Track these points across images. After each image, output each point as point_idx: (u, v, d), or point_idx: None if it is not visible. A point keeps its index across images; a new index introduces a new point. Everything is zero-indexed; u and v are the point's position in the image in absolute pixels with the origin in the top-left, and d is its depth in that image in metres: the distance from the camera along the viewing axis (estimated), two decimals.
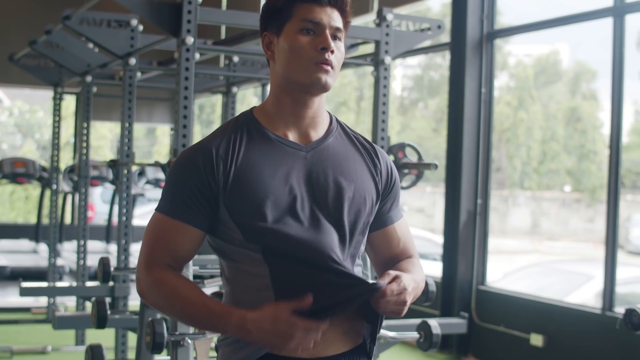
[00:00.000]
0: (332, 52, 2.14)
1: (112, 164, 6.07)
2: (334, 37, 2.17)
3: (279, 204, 2.11)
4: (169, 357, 3.45)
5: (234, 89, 7.63)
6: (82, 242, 7.21)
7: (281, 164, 2.15)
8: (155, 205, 2.22)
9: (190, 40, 4.57)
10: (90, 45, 6.99)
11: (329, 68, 2.14)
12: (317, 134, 2.23)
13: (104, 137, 25.79)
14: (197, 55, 5.01)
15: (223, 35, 10.02)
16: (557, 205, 22.85)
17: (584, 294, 8.78)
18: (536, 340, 6.79)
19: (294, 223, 2.12)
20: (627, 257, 16.45)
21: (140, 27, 5.93)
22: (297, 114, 2.20)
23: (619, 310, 6.22)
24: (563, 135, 22.07)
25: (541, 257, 18.73)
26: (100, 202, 16.86)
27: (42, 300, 9.12)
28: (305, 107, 2.20)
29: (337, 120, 2.30)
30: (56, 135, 8.36)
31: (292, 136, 2.21)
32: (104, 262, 3.68)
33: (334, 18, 2.16)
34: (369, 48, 6.33)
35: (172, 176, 2.18)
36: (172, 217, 2.14)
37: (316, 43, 2.14)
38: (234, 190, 2.11)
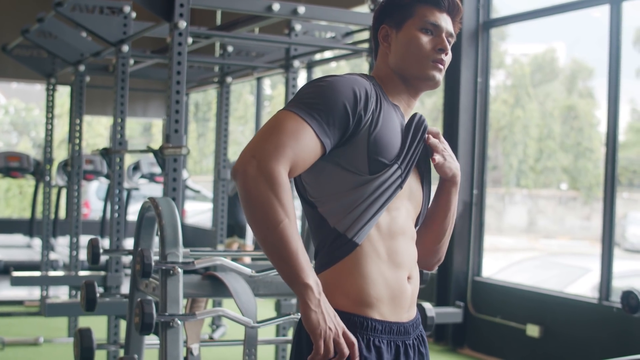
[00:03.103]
0: (447, 54, 2.36)
1: (105, 152, 6.02)
2: (447, 41, 2.38)
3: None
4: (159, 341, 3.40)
5: (229, 79, 7.59)
6: (75, 235, 7.15)
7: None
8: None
9: (182, 24, 4.53)
10: (84, 33, 6.95)
11: (442, 67, 2.36)
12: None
13: (100, 135, 25.72)
14: (190, 40, 4.95)
15: (218, 23, 9.99)
16: (554, 203, 22.84)
17: (581, 287, 8.74)
18: (532, 331, 6.75)
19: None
20: (625, 254, 16.43)
21: (133, 14, 5.88)
22: (406, 100, 2.40)
23: (616, 300, 6.18)
24: (559, 133, 22.05)
25: (537, 255, 18.70)
26: (95, 199, 16.80)
27: (35, 294, 9.07)
28: (413, 97, 2.42)
29: None
30: (50, 127, 8.32)
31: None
32: (93, 243, 3.62)
33: (449, 24, 2.39)
34: (363, 35, 6.30)
35: (327, 90, 2.21)
36: (312, 126, 2.16)
37: (434, 43, 2.35)
38: (380, 132, 2.24)
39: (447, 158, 2.41)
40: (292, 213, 2.09)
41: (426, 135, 2.35)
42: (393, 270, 2.25)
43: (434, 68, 2.34)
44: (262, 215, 2.08)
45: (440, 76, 2.35)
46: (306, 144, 2.14)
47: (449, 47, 2.36)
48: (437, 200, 2.47)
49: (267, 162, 2.09)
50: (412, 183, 2.35)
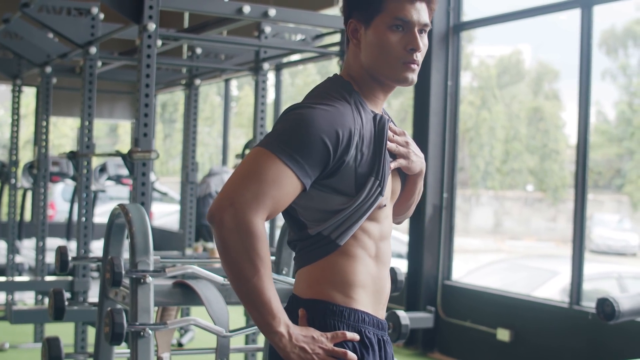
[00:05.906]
0: (420, 51, 2.23)
1: (72, 155, 5.94)
2: (421, 31, 2.24)
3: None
4: (129, 350, 3.34)
5: (197, 82, 7.52)
6: (41, 238, 7.05)
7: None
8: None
9: (152, 26, 4.45)
10: (51, 35, 6.85)
11: (415, 67, 2.23)
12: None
13: (66, 136, 25.54)
14: (159, 43, 4.89)
15: (186, 25, 9.91)
16: (520, 205, 22.98)
17: (550, 290, 8.76)
18: (503, 335, 6.74)
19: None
20: (590, 256, 16.56)
21: (102, 16, 5.80)
22: (380, 96, 2.31)
23: (587, 304, 6.19)
24: (526, 135, 22.18)
25: (504, 256, 18.79)
26: (61, 201, 16.63)
27: (1, 298, 8.94)
28: (387, 93, 2.32)
29: None
30: (15, 129, 8.21)
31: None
32: (61, 250, 3.53)
33: (423, 14, 2.22)
34: (333, 38, 6.26)
35: (307, 127, 2.12)
36: (292, 168, 2.10)
37: (405, 42, 2.21)
38: (365, 160, 2.17)
39: (412, 157, 2.31)
40: (267, 262, 2.09)
41: (387, 142, 2.24)
42: (378, 267, 2.25)
43: (406, 70, 2.22)
44: (237, 267, 2.08)
45: (413, 76, 2.23)
46: (287, 189, 2.10)
47: (421, 45, 2.21)
48: (404, 188, 2.41)
49: (245, 212, 2.06)
50: (393, 183, 2.32)
